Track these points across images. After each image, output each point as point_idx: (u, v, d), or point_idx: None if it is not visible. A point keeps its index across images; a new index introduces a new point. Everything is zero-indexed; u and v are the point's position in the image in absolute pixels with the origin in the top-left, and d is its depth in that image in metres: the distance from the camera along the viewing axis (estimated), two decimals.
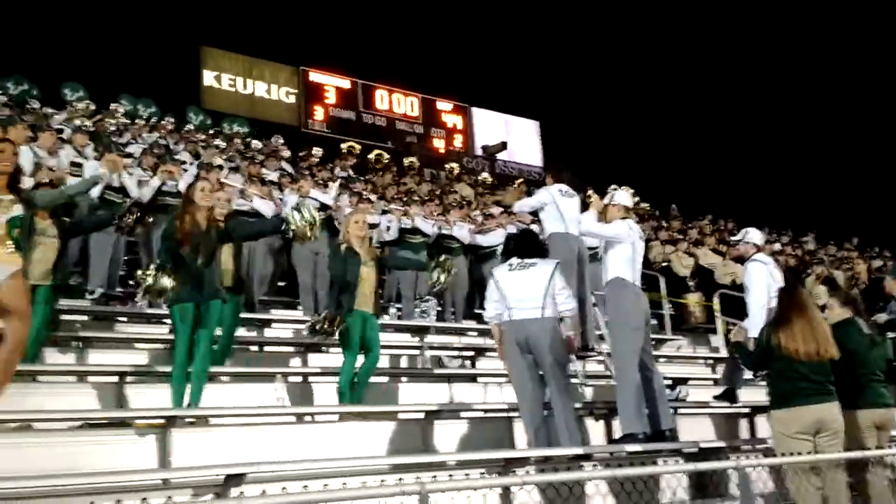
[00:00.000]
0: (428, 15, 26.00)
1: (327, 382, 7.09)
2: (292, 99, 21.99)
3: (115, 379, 6.23)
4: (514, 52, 26.90)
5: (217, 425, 5.84)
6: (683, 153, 26.90)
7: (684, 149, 27.03)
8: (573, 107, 26.57)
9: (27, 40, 18.81)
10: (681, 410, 7.62)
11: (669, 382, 8.06)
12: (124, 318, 8.14)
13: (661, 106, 27.63)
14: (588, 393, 7.98)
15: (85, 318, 7.73)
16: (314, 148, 15.62)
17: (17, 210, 5.06)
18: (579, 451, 6.00)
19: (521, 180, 19.36)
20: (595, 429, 7.24)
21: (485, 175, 19.89)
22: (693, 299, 12.57)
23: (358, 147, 18.80)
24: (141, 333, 7.82)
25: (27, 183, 7.48)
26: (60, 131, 10.69)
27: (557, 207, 8.01)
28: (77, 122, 12.55)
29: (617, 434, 6.89)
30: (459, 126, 24.22)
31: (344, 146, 17.67)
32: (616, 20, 28.42)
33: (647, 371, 6.54)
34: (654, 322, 9.99)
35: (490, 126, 24.57)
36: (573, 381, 7.20)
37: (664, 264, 12.87)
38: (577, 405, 7.00)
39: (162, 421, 5.40)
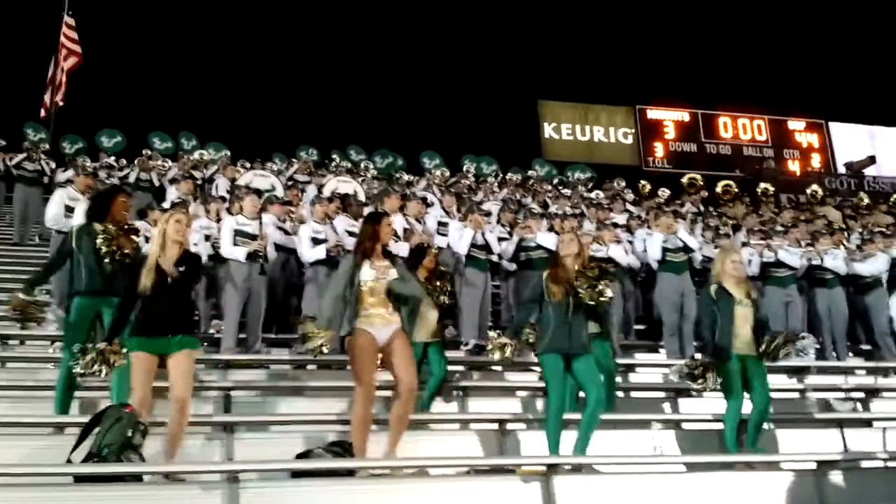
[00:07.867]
0: (767, 30, 24.56)
1: (705, 430, 6.77)
2: (630, 139, 22.06)
3: (496, 426, 6.49)
4: (872, 57, 24.25)
5: (597, 472, 5.83)
6: None
7: None
8: None
9: (387, 117, 21.33)
10: None
11: None
12: (498, 368, 8.52)
13: None
14: None
15: (462, 368, 8.20)
16: (660, 189, 15.34)
17: (393, 274, 5.61)
18: None
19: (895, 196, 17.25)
20: None
21: (860, 195, 17.87)
22: None
23: (700, 179, 18.17)
24: (516, 382, 8.12)
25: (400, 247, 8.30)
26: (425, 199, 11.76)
27: None
28: (434, 187, 13.80)
29: None
30: (816, 144, 22.39)
31: (685, 179, 17.15)
32: None
33: None
34: None
35: (852, 140, 22.37)
36: None
37: None
38: None
39: (543, 468, 5.52)
